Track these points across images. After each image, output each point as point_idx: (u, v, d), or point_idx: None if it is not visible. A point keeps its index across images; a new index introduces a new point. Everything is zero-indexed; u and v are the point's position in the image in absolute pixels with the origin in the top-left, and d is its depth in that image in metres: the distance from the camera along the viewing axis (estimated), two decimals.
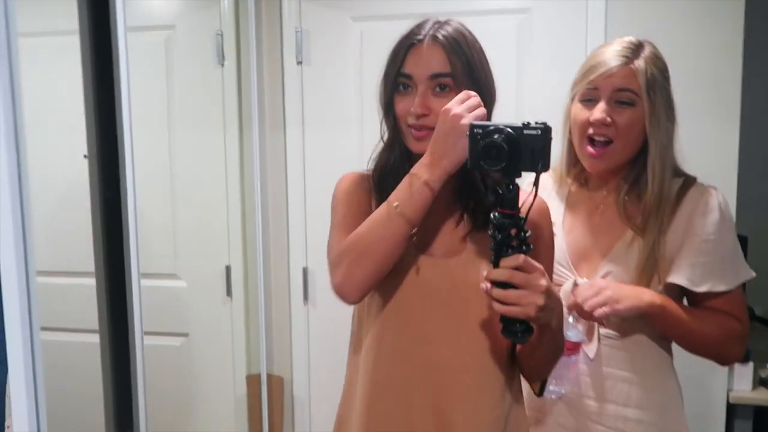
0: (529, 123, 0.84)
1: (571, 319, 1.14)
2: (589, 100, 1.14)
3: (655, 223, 1.11)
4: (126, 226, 1.33)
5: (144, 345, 1.43)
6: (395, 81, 0.99)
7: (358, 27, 1.93)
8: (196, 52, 2.00)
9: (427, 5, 1.78)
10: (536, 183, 0.85)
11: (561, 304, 0.92)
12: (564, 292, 1.14)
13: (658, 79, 1.10)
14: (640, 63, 1.10)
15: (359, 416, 1.02)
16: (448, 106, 0.91)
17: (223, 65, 1.99)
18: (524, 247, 0.86)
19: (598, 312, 1.06)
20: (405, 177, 0.94)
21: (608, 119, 1.11)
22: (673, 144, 1.14)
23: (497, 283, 0.85)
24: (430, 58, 0.96)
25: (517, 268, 0.84)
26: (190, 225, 2.06)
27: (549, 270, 1.02)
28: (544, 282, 0.84)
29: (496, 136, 0.84)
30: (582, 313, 1.09)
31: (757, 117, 1.93)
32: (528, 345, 0.93)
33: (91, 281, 1.40)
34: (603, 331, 1.16)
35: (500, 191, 0.86)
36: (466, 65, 0.97)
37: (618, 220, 1.16)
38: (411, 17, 1.01)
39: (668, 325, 1.11)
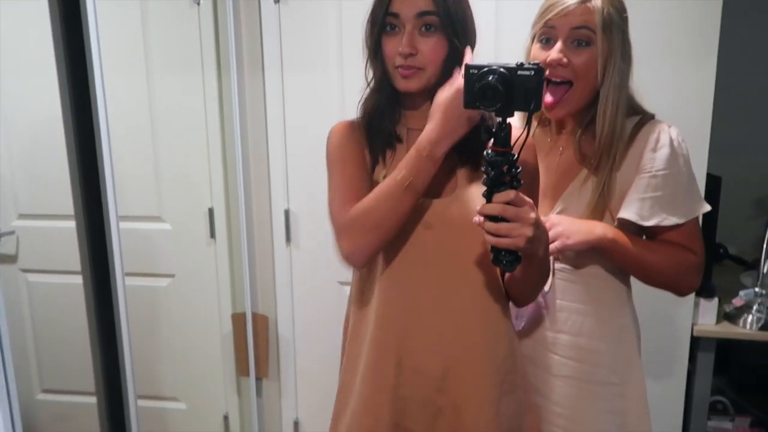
0: (522, 63, 0.87)
1: None
2: (546, 40, 1.15)
3: (607, 161, 1.14)
4: (101, 167, 1.34)
5: (131, 286, 1.47)
6: (383, 21, 1.01)
7: None
8: None
9: None
10: (528, 122, 0.89)
11: (548, 235, 0.99)
12: None
13: (615, 18, 1.11)
14: (596, 2, 1.10)
15: (368, 350, 1.09)
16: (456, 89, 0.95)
17: (198, 4, 1.94)
18: (515, 183, 0.90)
19: (551, 247, 1.10)
20: (412, 150, 0.98)
21: (564, 59, 1.11)
22: (628, 84, 1.15)
23: (489, 217, 0.90)
24: None
25: (508, 203, 0.89)
26: (172, 168, 2.07)
27: (536, 201, 1.08)
28: (533, 215, 0.90)
29: (491, 78, 0.86)
30: None
31: (733, 59, 1.93)
32: (516, 273, 0.99)
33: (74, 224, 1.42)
34: (558, 265, 1.20)
35: (493, 130, 0.89)
36: (450, 4, 0.99)
37: (575, 159, 1.19)
38: None
39: (621, 257, 1.15)
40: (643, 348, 1.27)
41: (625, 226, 1.16)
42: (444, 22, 0.99)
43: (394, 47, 1.00)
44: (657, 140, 1.13)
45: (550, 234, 1.11)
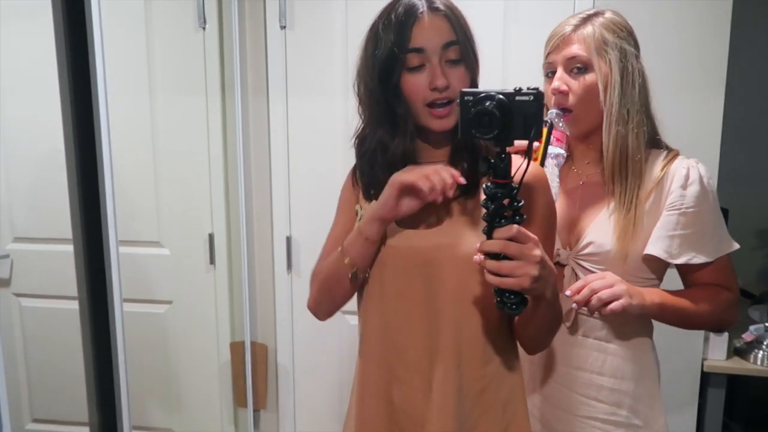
0: (520, 88, 0.82)
1: None
2: (552, 74, 1.16)
3: (621, 184, 1.11)
4: (102, 191, 1.31)
5: (128, 312, 1.43)
6: (404, 58, 0.94)
7: None
8: (177, 14, 1.95)
9: None
10: (528, 151, 0.83)
11: (555, 275, 0.91)
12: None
13: (610, 41, 1.10)
14: (587, 29, 1.11)
15: (354, 387, 1.09)
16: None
17: (204, 29, 1.94)
18: (517, 217, 0.84)
19: (615, 305, 1.03)
20: (354, 230, 1.00)
21: (564, 86, 1.12)
22: (634, 99, 1.11)
23: (491, 255, 0.84)
24: (439, 28, 0.94)
25: (510, 239, 0.83)
26: (173, 193, 2.04)
27: (548, 238, 1.00)
28: (538, 252, 0.83)
29: (487, 104, 0.81)
30: (587, 304, 1.05)
31: (742, 90, 1.94)
32: (524, 316, 0.93)
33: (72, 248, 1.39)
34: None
35: (492, 160, 0.83)
36: (466, 32, 0.97)
37: (600, 190, 1.16)
38: None
39: (670, 318, 1.12)
40: None
41: (651, 262, 1.12)
42: (464, 51, 0.95)
43: (420, 84, 0.94)
44: (687, 177, 1.10)
45: (614, 291, 1.04)
